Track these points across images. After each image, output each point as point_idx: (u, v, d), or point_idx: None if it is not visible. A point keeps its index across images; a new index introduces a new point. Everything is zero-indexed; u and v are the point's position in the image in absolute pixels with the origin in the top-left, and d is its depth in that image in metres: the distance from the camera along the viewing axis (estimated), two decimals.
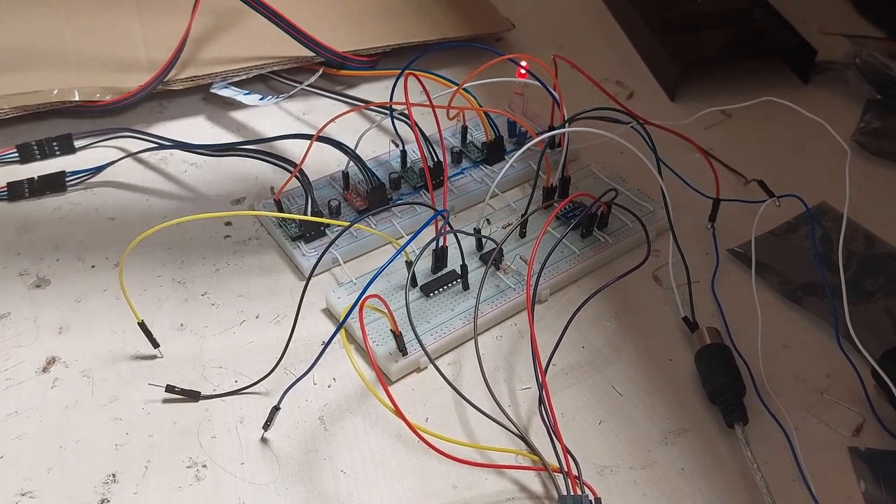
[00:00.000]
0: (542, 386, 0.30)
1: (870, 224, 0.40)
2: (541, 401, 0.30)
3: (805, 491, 0.29)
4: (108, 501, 0.29)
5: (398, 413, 0.28)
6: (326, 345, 0.30)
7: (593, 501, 0.28)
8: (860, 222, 0.40)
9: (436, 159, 0.39)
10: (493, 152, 0.41)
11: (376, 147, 0.42)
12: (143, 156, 0.43)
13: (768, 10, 0.51)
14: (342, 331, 0.30)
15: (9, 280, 0.37)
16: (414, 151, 0.41)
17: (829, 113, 0.40)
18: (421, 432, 0.28)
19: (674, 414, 0.32)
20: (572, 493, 0.28)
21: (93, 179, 0.42)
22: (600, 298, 0.36)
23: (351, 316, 0.29)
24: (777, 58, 0.50)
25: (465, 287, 0.36)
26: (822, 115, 0.38)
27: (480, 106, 0.40)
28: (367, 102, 0.45)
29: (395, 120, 0.40)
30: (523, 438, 0.30)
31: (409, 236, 0.33)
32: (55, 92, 0.43)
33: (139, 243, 0.31)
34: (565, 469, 0.29)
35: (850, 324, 0.32)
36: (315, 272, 0.35)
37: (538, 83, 0.39)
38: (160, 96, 0.46)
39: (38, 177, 0.41)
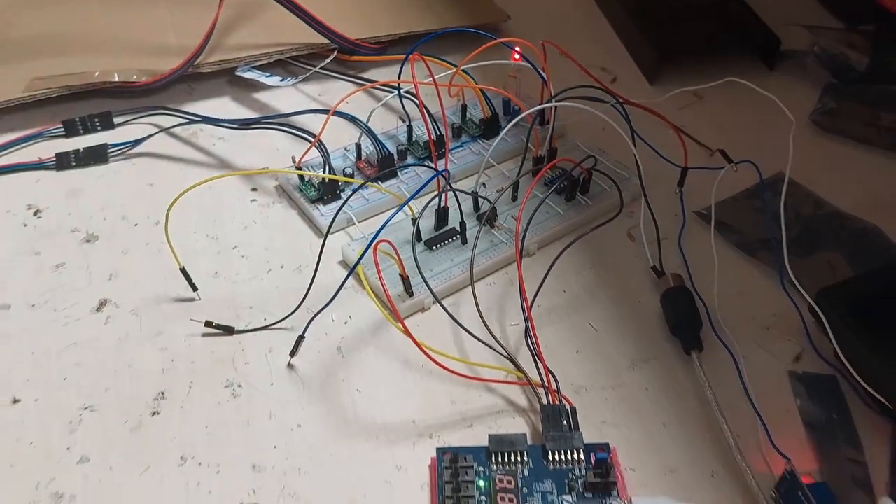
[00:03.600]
0: (528, 319, 0.36)
1: (821, 191, 0.45)
2: (527, 332, 0.36)
3: (750, 408, 0.35)
4: (159, 413, 0.35)
5: (406, 332, 0.34)
6: (346, 278, 0.36)
7: (569, 410, 0.34)
8: (814, 190, 0.46)
9: (438, 133, 0.45)
10: (489, 127, 0.47)
11: (384, 124, 0.48)
12: (176, 130, 0.49)
13: (741, 3, 0.57)
14: (359, 269, 0.36)
15: (62, 236, 0.43)
16: (419, 127, 0.47)
17: (790, 95, 0.46)
18: (426, 349, 0.34)
19: (640, 345, 0.38)
20: (552, 403, 0.34)
21: (131, 151, 0.48)
22: (580, 252, 0.41)
23: (364, 258, 0.35)
24: (747, 47, 0.55)
25: (464, 242, 0.41)
26: (784, 97, 0.44)
27: (477, 84, 0.46)
28: (374, 83, 0.50)
29: (402, 98, 0.46)
30: (512, 360, 0.36)
31: (414, 192, 0.38)
32: (96, 74, 0.49)
33: (176, 206, 0.36)
34: (546, 384, 0.35)
35: (789, 269, 0.37)
36: (331, 230, 0.41)
37: (529, 65, 0.45)
38: (190, 79, 0.52)
39: (83, 148, 0.47)
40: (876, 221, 0.44)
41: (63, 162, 0.46)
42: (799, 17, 0.57)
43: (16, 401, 0.35)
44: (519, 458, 0.32)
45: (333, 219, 0.41)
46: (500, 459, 0.32)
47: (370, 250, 0.35)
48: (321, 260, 0.38)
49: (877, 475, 0.33)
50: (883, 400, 0.34)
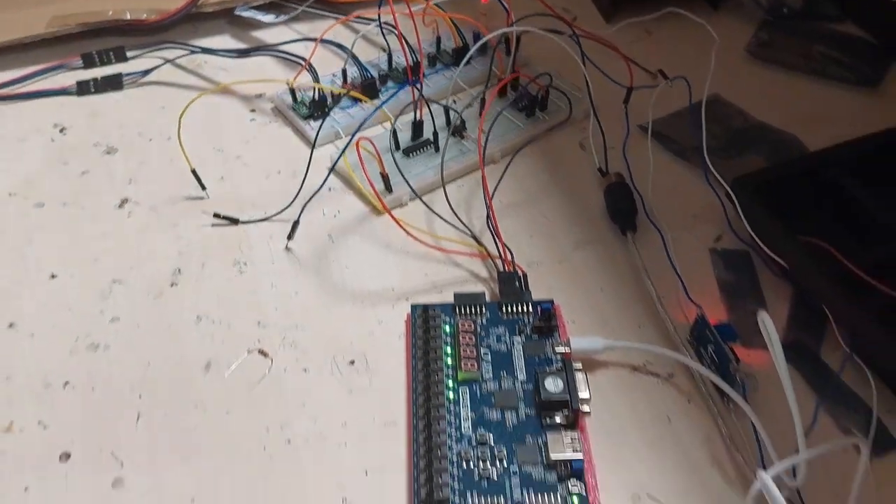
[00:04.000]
0: (489, 207, 0.43)
1: (751, 109, 0.52)
2: (488, 218, 0.43)
3: (674, 275, 0.41)
4: (177, 284, 0.41)
5: (388, 211, 0.40)
6: (333, 165, 0.43)
7: (521, 276, 0.41)
8: (745, 108, 0.52)
9: (415, 59, 0.51)
10: (460, 56, 0.53)
11: (367, 55, 0.54)
12: (182, 61, 0.55)
13: None
14: (346, 165, 0.42)
15: (85, 149, 0.49)
16: (399, 57, 0.53)
17: (729, 31, 0.52)
18: (403, 226, 0.41)
19: (585, 230, 0.45)
20: (507, 271, 0.41)
21: (143, 79, 0.54)
22: (538, 159, 0.48)
23: (351, 162, 0.42)
24: None
25: (437, 150, 0.48)
26: (724, 32, 0.50)
27: (448, 14, 0.52)
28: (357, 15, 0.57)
29: (382, 28, 0.52)
30: (476, 239, 0.43)
31: (389, 97, 0.45)
32: (110, 13, 0.55)
33: (185, 125, 0.43)
34: (503, 256, 0.41)
35: (711, 166, 0.44)
36: (321, 143, 0.48)
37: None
38: (193, 18, 0.58)
39: (101, 77, 0.53)
40: (796, 133, 0.50)
41: (83, 88, 0.53)
42: None
43: (53, 276, 0.42)
44: (479, 311, 0.39)
45: (319, 128, 0.47)
46: (463, 312, 0.39)
47: (353, 143, 0.41)
48: (311, 164, 0.45)
49: (777, 325, 0.40)
50: (784, 264, 0.40)
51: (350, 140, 0.41)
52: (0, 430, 0.35)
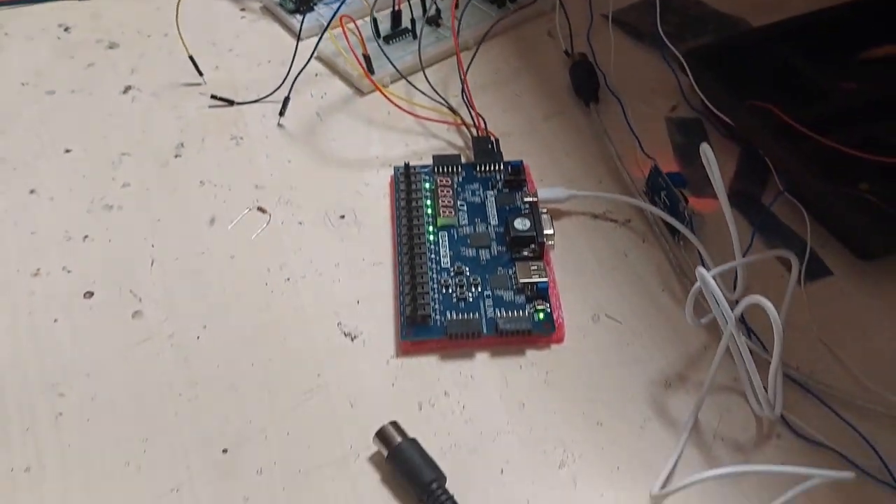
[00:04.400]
0: (463, 81, 0.46)
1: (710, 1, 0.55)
2: (463, 92, 0.46)
3: (635, 140, 0.45)
4: (181, 156, 0.45)
5: (369, 78, 0.44)
6: (319, 39, 0.46)
7: (494, 141, 0.44)
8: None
9: None
10: None
11: None
12: None
13: None
14: (330, 37, 0.45)
15: (89, 45, 0.52)
16: None
17: None
18: (386, 93, 0.44)
19: (553, 104, 0.48)
20: (481, 136, 0.44)
21: None
22: (510, 46, 0.51)
23: (331, 43, 0.45)
24: None
25: (414, 37, 0.51)
26: None
27: None
28: None
29: None
30: (452, 109, 0.46)
31: None
32: None
33: (180, 24, 0.46)
34: (476, 124, 0.45)
35: (668, 42, 0.47)
36: (305, 33, 0.51)
37: None
38: None
39: None
40: (747, 18, 0.54)
41: None
42: None
43: (68, 150, 0.45)
44: (455, 170, 0.43)
45: (303, 18, 0.50)
46: (441, 171, 0.43)
47: (338, 26, 0.44)
48: (298, 51, 0.48)
49: (724, 179, 0.43)
50: (731, 123, 0.44)
51: (334, 15, 0.44)
52: (28, 275, 0.38)
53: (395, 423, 0.32)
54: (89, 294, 0.38)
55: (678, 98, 0.48)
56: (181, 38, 0.48)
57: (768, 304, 0.29)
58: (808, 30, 0.48)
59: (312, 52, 0.47)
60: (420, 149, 0.45)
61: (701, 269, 0.32)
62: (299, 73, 0.46)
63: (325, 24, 0.51)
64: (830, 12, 0.50)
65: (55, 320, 0.37)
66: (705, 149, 0.35)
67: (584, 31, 0.52)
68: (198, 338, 0.36)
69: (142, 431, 0.33)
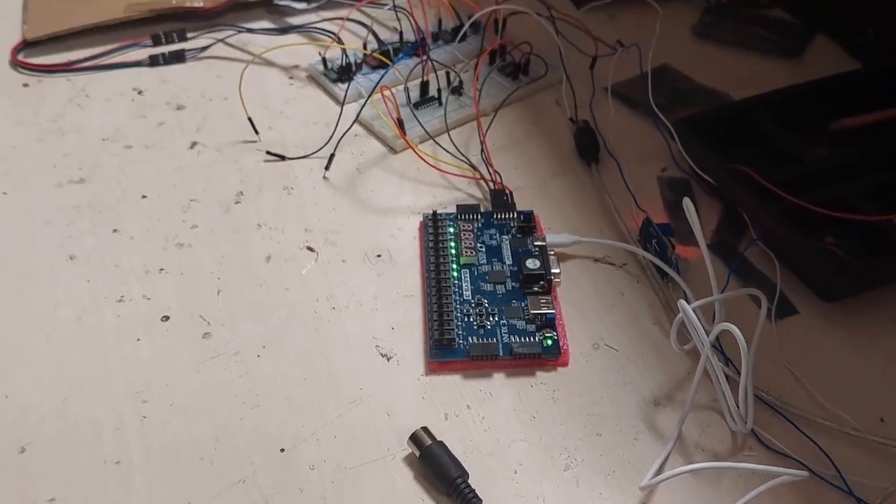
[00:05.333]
0: (482, 142, 0.51)
1: (695, 76, 0.61)
2: (482, 150, 0.52)
3: (630, 196, 0.50)
4: (240, 203, 0.50)
5: (404, 138, 0.49)
6: (363, 105, 0.51)
7: (508, 193, 0.49)
8: (690, 75, 0.61)
9: (422, 36, 0.60)
10: (458, 33, 0.62)
11: (381, 34, 0.63)
12: (231, 40, 0.63)
13: None
14: (373, 104, 0.51)
15: (160, 106, 0.57)
16: (408, 35, 0.62)
17: (680, 14, 0.61)
18: (417, 151, 0.49)
19: (560, 164, 0.53)
20: (497, 189, 0.49)
21: (201, 54, 0.62)
22: (522, 113, 0.57)
23: (372, 113, 0.50)
24: None
25: (440, 104, 0.56)
26: (675, 15, 0.58)
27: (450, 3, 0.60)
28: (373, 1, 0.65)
29: (396, 10, 0.60)
30: (472, 166, 0.51)
31: (401, 56, 0.53)
32: (174, 1, 0.64)
33: (237, 89, 0.51)
34: (493, 178, 0.50)
35: (659, 113, 0.52)
36: (347, 101, 0.56)
37: None
38: (239, 7, 0.66)
39: (168, 52, 0.62)
40: (730, 92, 0.59)
41: (154, 61, 0.61)
42: None
43: (144, 196, 0.50)
44: (475, 217, 0.48)
45: (348, 87, 0.56)
46: (463, 218, 0.48)
47: (377, 96, 0.50)
48: (342, 116, 0.53)
49: (706, 230, 0.48)
50: (713, 182, 0.49)
51: (375, 87, 0.50)
52: (114, 301, 0.43)
53: (425, 429, 0.36)
54: (166, 318, 0.42)
55: (668, 161, 0.53)
56: (242, 102, 0.53)
57: (736, 330, 0.33)
58: (785, 102, 0.53)
59: (356, 117, 0.52)
60: (445, 199, 0.50)
61: (682, 301, 0.36)
62: (343, 135, 0.52)
63: (363, 91, 0.57)
64: (805, 87, 0.55)
65: (138, 339, 0.41)
66: (687, 203, 0.40)
67: (587, 102, 0.57)
68: (258, 356, 0.41)
69: (212, 433, 0.37)
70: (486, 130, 0.53)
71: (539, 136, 0.56)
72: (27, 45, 0.62)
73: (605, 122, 0.55)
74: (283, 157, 0.53)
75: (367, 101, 0.51)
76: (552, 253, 0.44)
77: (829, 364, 0.41)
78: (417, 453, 0.36)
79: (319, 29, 0.61)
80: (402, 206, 0.50)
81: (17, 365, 0.40)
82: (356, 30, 0.63)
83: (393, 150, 0.54)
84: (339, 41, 0.59)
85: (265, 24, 0.66)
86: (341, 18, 0.61)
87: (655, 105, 0.53)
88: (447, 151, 0.52)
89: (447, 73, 0.57)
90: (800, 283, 0.45)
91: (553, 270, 0.43)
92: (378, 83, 0.50)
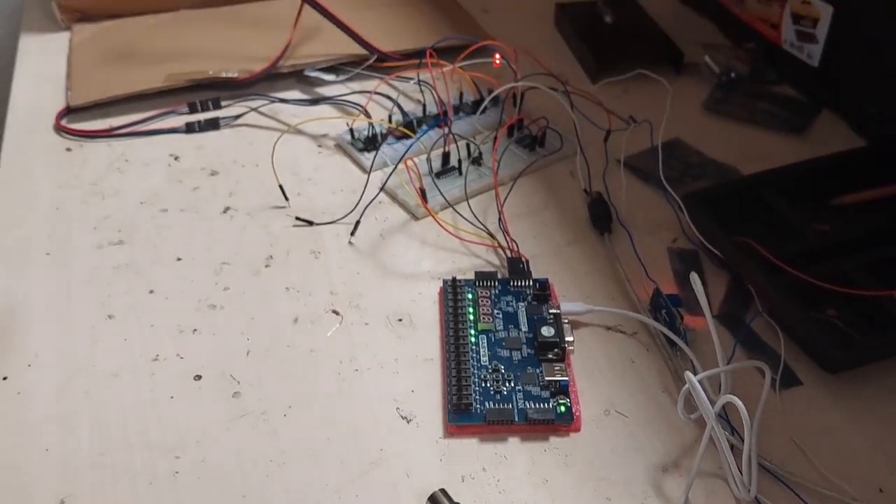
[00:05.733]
0: (500, 212, 0.54)
1: (705, 150, 0.63)
2: (500, 220, 0.54)
3: (641, 266, 0.52)
4: (270, 266, 0.53)
5: (426, 208, 0.52)
6: (388, 177, 0.54)
7: (525, 261, 0.52)
8: (699, 149, 0.64)
9: (444, 108, 0.63)
10: (478, 105, 0.65)
11: (406, 106, 0.66)
12: (264, 109, 0.67)
13: (657, 30, 0.76)
14: (398, 174, 0.54)
15: (195, 171, 0.61)
16: (431, 108, 0.65)
17: (691, 90, 0.64)
18: (438, 220, 0.52)
19: (574, 232, 0.56)
20: (514, 257, 0.52)
21: (235, 122, 0.66)
22: (538, 183, 0.59)
23: (396, 183, 0.53)
24: (661, 58, 0.74)
25: (460, 174, 0.59)
26: (684, 91, 0.61)
27: (469, 75, 0.64)
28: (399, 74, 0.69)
29: (420, 84, 0.64)
30: (491, 235, 0.54)
31: (425, 130, 0.56)
32: (210, 72, 0.68)
33: (268, 156, 0.55)
34: (510, 246, 0.52)
35: (668, 187, 0.55)
36: (373, 168, 0.59)
37: (504, 62, 0.63)
38: (272, 77, 0.70)
39: (203, 119, 0.65)
40: (738, 167, 0.62)
41: (190, 128, 0.65)
42: (701, 37, 0.76)
43: (179, 259, 0.53)
44: (493, 284, 0.50)
45: (374, 156, 0.59)
46: (481, 284, 0.50)
47: (400, 167, 0.53)
48: (367, 185, 0.56)
49: (714, 301, 0.50)
50: (721, 255, 0.51)
51: (400, 159, 0.53)
52: (149, 360, 0.46)
53: (443, 490, 0.38)
54: (198, 377, 0.45)
55: (678, 232, 0.55)
56: (274, 171, 0.56)
57: (739, 403, 0.35)
58: (789, 178, 0.56)
59: (382, 186, 0.55)
60: (464, 265, 0.53)
61: (688, 373, 0.38)
62: (369, 203, 0.54)
63: (388, 161, 0.60)
64: (809, 164, 0.57)
65: (171, 397, 0.44)
66: (694, 277, 0.43)
67: (601, 173, 0.60)
68: (284, 415, 0.43)
69: (240, 489, 0.39)
70: (504, 200, 0.56)
71: (554, 206, 0.58)
72: (70, 111, 0.66)
73: (618, 193, 0.58)
74: (311, 223, 0.56)
75: (392, 172, 0.54)
76: (566, 321, 0.47)
77: (830, 434, 0.43)
78: None
79: (348, 101, 0.64)
80: (423, 272, 0.52)
81: (57, 419, 0.42)
82: (382, 101, 0.66)
83: (415, 217, 0.56)
84: (366, 114, 0.62)
85: (296, 93, 0.69)
86: (369, 92, 0.64)
87: (667, 178, 0.56)
88: (466, 220, 0.55)
89: (468, 145, 0.60)
90: (804, 354, 0.47)
91: (567, 338, 0.45)
92: (403, 156, 0.52)
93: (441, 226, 0.52)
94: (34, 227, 0.54)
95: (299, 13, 0.70)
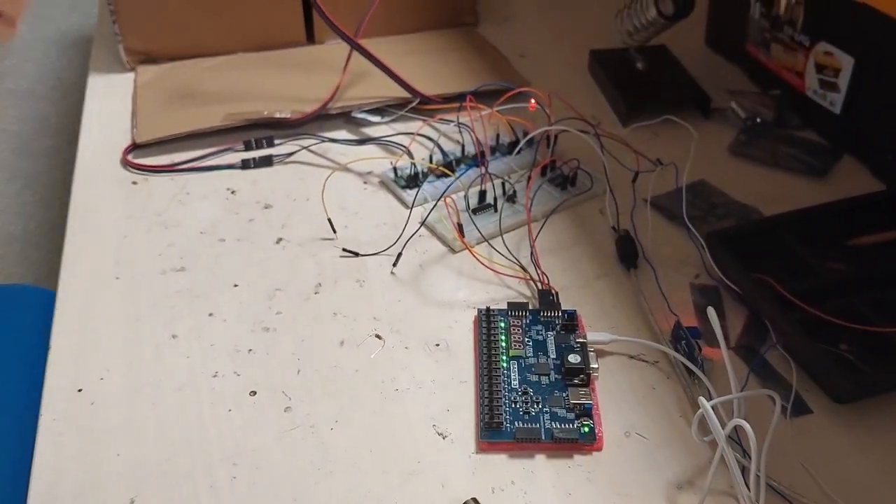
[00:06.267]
0: (532, 246, 0.58)
1: (729, 191, 0.67)
2: (532, 255, 0.58)
3: (662, 300, 0.56)
4: (318, 293, 0.57)
5: (464, 243, 0.56)
6: (429, 213, 0.59)
7: (555, 293, 0.56)
8: (724, 190, 0.68)
9: (481, 149, 0.68)
10: (514, 147, 0.70)
11: (446, 146, 0.71)
12: (314, 148, 0.72)
13: (687, 76, 0.80)
14: (440, 214, 0.58)
15: (250, 205, 0.66)
16: (469, 148, 0.70)
17: (718, 133, 0.69)
18: (475, 254, 0.56)
19: (602, 267, 0.60)
20: (545, 289, 0.56)
21: (287, 159, 0.71)
22: (569, 220, 0.64)
23: (437, 218, 0.58)
24: (690, 103, 0.78)
25: (495, 211, 0.64)
26: (711, 135, 0.65)
27: (506, 118, 0.69)
28: (441, 117, 0.74)
29: (459, 127, 0.69)
30: (523, 268, 0.58)
31: (464, 171, 0.61)
32: (265, 112, 0.73)
33: (318, 191, 0.60)
34: (541, 279, 0.57)
35: (690, 226, 0.59)
36: (415, 204, 0.64)
37: (539, 107, 0.68)
38: (322, 118, 0.75)
39: (258, 157, 0.71)
40: (760, 208, 0.65)
41: (246, 164, 0.70)
42: (729, 83, 0.80)
43: (236, 285, 0.58)
44: (524, 314, 0.54)
45: (416, 195, 0.64)
46: (513, 314, 0.54)
47: (440, 202, 0.57)
48: (409, 220, 0.61)
49: (732, 333, 0.54)
50: (739, 291, 0.55)
51: (440, 197, 0.57)
52: (209, 376, 0.51)
53: (475, 499, 0.42)
54: (253, 393, 0.49)
55: (701, 269, 0.59)
56: (324, 206, 0.61)
57: (747, 426, 0.39)
58: (808, 220, 0.59)
59: (422, 221, 0.60)
60: (497, 296, 0.57)
61: (701, 399, 0.42)
62: (410, 238, 0.59)
63: (428, 197, 0.64)
64: (827, 207, 0.61)
65: (229, 410, 0.48)
66: (711, 312, 0.46)
67: (629, 212, 0.64)
68: (331, 429, 0.47)
69: (290, 494, 0.44)
70: (536, 236, 0.60)
71: (584, 242, 0.62)
72: (136, 147, 0.72)
73: (645, 231, 0.62)
74: (356, 254, 0.60)
75: (432, 209, 0.58)
76: (592, 350, 0.51)
77: (838, 461, 0.46)
78: None
79: (392, 142, 0.70)
80: (459, 301, 0.56)
81: (127, 428, 0.47)
82: (424, 142, 0.71)
83: (452, 251, 0.61)
84: (409, 154, 0.67)
85: (344, 133, 0.75)
86: (412, 133, 0.69)
87: (691, 217, 0.60)
88: (500, 253, 0.59)
89: (503, 184, 0.64)
90: (815, 385, 0.50)
91: (592, 365, 0.49)
92: (443, 194, 0.57)
93: (476, 258, 0.57)
94: (105, 255, 0.60)
95: (348, 59, 0.76)
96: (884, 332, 0.51)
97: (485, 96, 0.71)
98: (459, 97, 0.71)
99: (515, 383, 0.49)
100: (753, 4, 0.77)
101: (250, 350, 0.52)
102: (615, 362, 0.52)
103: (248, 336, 0.53)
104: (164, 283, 0.57)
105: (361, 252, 0.60)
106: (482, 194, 0.64)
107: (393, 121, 0.75)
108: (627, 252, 0.59)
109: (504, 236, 0.61)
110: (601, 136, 0.66)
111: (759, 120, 0.76)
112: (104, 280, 0.58)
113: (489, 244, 0.60)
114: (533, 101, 0.69)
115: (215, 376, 0.50)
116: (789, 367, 0.50)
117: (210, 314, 0.55)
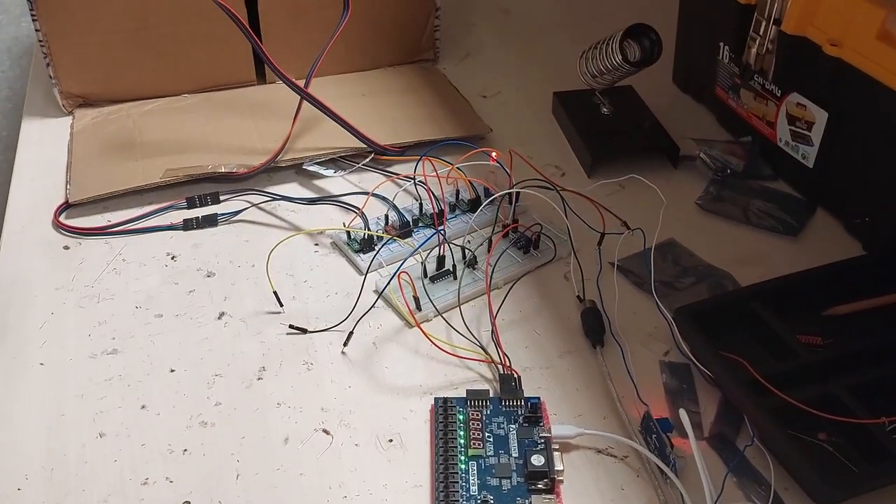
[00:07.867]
0: (493, 323, 0.55)
1: (699, 251, 0.64)
2: (492, 332, 0.55)
3: (631, 382, 0.52)
4: (262, 378, 0.53)
5: (417, 325, 0.52)
6: (381, 293, 0.55)
7: (517, 378, 0.52)
8: (693, 250, 0.64)
9: (440, 207, 0.64)
10: (474, 205, 0.66)
11: (403, 202, 0.67)
12: (262, 205, 0.68)
13: (654, 121, 0.77)
14: (388, 292, 0.54)
15: (191, 273, 0.61)
16: (427, 205, 0.66)
17: (684, 186, 0.65)
18: (430, 337, 0.52)
19: (566, 343, 0.56)
20: (506, 373, 0.52)
21: (233, 218, 0.67)
22: (531, 287, 0.60)
23: (390, 285, 0.54)
24: (657, 153, 0.75)
25: (455, 278, 0.60)
26: (679, 187, 0.62)
27: (466, 177, 0.65)
28: (398, 175, 0.70)
29: (416, 185, 0.65)
30: (483, 348, 0.54)
31: (422, 243, 0.57)
32: (209, 166, 0.69)
33: (265, 254, 0.55)
34: (503, 362, 0.53)
35: (657, 298, 0.56)
36: (369, 270, 0.60)
37: (499, 165, 0.64)
38: (270, 170, 0.71)
39: (201, 216, 0.66)
40: (731, 272, 0.62)
41: (188, 225, 0.66)
42: (699, 126, 0.77)
43: (172, 370, 0.53)
44: (484, 403, 0.50)
45: (370, 262, 0.59)
46: (472, 404, 0.50)
47: (395, 277, 0.53)
48: (363, 289, 0.57)
49: (705, 420, 0.51)
50: (711, 375, 0.52)
51: (394, 275, 0.53)
52: (139, 483, 0.46)
53: None
54: (187, 503, 0.45)
55: (671, 344, 0.56)
56: (269, 279, 0.57)
57: None
58: (781, 290, 0.56)
59: (377, 298, 0.56)
60: (456, 379, 0.53)
61: None
62: (363, 315, 0.55)
63: (383, 262, 0.60)
64: (800, 276, 0.58)
65: None
66: (682, 414, 0.43)
67: (595, 276, 0.61)
68: None
69: None
70: (498, 310, 0.57)
71: (547, 312, 0.59)
72: (69, 206, 0.67)
73: (611, 299, 0.58)
74: (304, 331, 0.56)
75: (385, 287, 0.54)
76: (556, 447, 0.47)
77: None
78: None
79: (344, 203, 0.65)
80: (415, 385, 0.53)
81: None
82: (381, 194, 0.67)
83: (409, 325, 0.57)
84: (363, 217, 0.63)
85: (295, 186, 0.70)
86: (366, 193, 0.65)
87: (660, 282, 0.57)
88: (458, 333, 0.55)
89: (462, 250, 0.60)
90: (794, 482, 0.47)
91: (557, 468, 0.46)
92: (397, 271, 0.53)
93: (432, 342, 0.53)
94: (30, 336, 0.55)
95: (299, 105, 0.71)
96: (863, 423, 0.48)
97: (444, 146, 0.67)
98: (418, 146, 0.67)
99: (475, 489, 0.45)
100: (722, 48, 0.74)
101: (185, 450, 0.48)
102: (581, 458, 0.48)
103: (184, 433, 0.49)
104: (94, 369, 0.53)
105: (310, 328, 0.56)
106: (440, 260, 0.60)
107: (348, 173, 0.71)
108: (593, 326, 0.56)
109: (465, 306, 0.57)
110: (566, 192, 0.62)
111: (728, 171, 0.72)
112: (26, 367, 0.53)
113: (447, 323, 0.56)
114: (493, 155, 0.66)
115: (145, 483, 0.46)
116: (767, 463, 0.47)
117: (143, 406, 0.51)
